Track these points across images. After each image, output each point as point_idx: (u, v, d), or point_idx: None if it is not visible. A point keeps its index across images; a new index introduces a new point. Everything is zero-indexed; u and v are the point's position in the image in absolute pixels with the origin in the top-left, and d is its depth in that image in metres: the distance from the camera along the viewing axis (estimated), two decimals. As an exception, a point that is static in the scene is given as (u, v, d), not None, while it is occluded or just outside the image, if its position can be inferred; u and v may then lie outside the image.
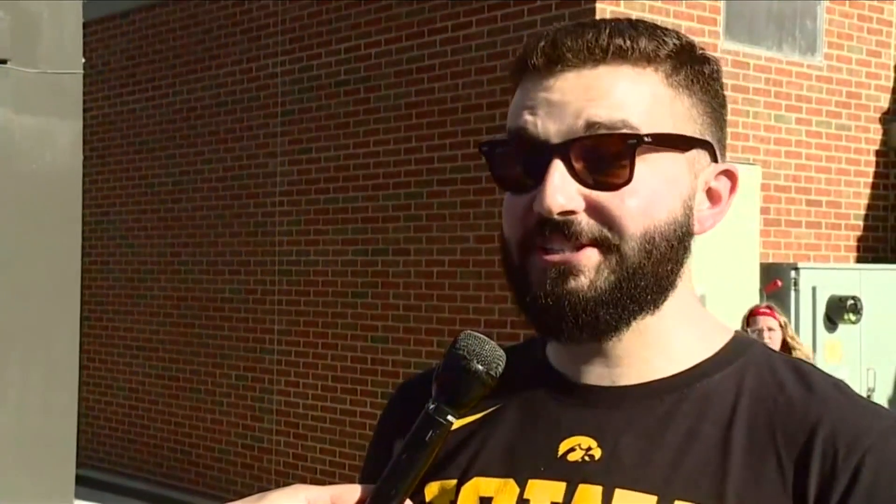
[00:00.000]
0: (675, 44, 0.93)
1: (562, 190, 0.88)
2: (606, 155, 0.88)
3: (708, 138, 0.94)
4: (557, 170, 0.89)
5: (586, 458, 0.91)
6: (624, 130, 0.88)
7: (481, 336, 0.92)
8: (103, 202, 8.92)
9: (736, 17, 6.36)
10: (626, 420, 0.92)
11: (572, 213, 0.89)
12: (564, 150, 0.89)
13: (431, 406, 0.90)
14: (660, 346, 0.94)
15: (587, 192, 0.89)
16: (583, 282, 0.90)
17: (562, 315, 0.90)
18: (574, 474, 0.90)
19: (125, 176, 8.78)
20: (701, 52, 0.96)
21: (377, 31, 6.89)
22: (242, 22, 7.78)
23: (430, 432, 0.89)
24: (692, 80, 0.93)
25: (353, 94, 7.01)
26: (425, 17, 6.63)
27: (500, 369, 0.91)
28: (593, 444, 0.92)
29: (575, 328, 0.91)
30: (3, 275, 3.38)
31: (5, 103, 3.38)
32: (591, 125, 0.88)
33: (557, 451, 0.92)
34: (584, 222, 0.89)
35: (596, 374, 0.95)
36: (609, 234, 0.89)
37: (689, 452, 0.89)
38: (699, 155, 0.93)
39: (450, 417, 0.89)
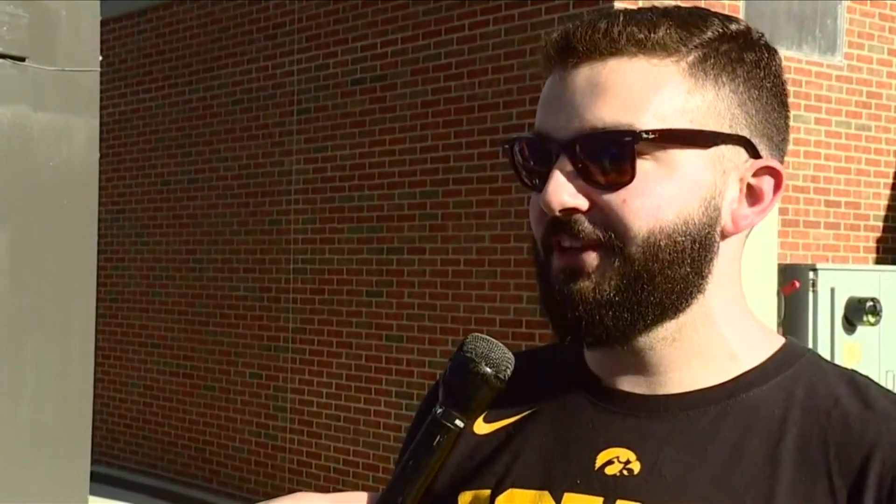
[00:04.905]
0: (715, 32, 0.88)
1: (564, 188, 0.87)
2: (607, 153, 0.86)
3: (743, 133, 0.88)
4: (561, 168, 0.87)
5: (625, 472, 0.88)
6: (627, 128, 0.85)
7: (490, 339, 0.90)
8: (119, 199, 8.94)
9: (756, 16, 6.31)
10: (666, 432, 0.88)
11: (575, 211, 0.87)
12: (568, 148, 0.87)
13: (439, 410, 0.87)
14: (699, 354, 0.90)
15: (591, 191, 0.87)
16: (587, 284, 0.87)
17: (566, 317, 0.88)
18: (612, 489, 0.87)
19: (141, 173, 8.79)
20: (751, 38, 0.90)
21: (394, 30, 6.87)
22: (259, 20, 7.78)
23: (438, 437, 0.86)
24: (723, 70, 0.88)
25: (370, 93, 7.00)
26: (442, 15, 6.61)
27: (509, 373, 0.89)
28: (632, 456, 0.88)
29: (579, 331, 0.88)
30: (19, 271, 3.38)
31: (23, 100, 3.38)
32: (594, 126, 0.86)
33: (595, 462, 0.89)
34: (586, 223, 0.87)
35: (633, 382, 0.91)
36: (612, 236, 0.87)
37: (735, 469, 0.86)
38: (730, 151, 0.88)
39: (458, 422, 0.87)
